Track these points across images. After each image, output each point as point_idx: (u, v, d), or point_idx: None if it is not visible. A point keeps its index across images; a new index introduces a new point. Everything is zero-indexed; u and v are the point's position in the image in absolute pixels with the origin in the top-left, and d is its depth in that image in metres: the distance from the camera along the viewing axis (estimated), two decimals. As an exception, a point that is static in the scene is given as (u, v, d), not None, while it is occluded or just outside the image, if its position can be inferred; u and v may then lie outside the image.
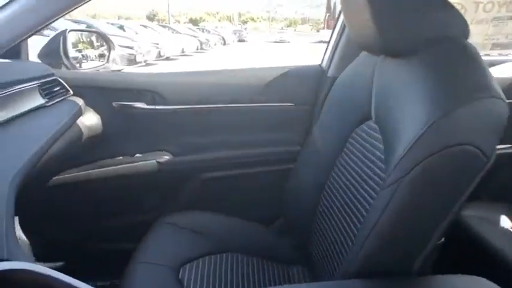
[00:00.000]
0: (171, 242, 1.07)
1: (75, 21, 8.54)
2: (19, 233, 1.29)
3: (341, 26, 1.33)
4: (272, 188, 1.32)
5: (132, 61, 9.65)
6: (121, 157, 1.31)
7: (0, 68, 0.94)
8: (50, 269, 0.62)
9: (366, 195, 0.75)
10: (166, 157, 1.32)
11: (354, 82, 0.95)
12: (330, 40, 1.40)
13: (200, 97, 1.31)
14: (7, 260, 0.61)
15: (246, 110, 1.33)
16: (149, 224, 1.14)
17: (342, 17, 1.33)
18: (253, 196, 1.38)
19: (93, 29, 1.44)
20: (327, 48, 1.41)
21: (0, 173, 0.70)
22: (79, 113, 1.14)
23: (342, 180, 0.88)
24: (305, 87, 1.37)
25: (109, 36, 1.73)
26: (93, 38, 2.01)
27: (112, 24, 12.47)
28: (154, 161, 1.30)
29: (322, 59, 1.41)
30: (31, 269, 0.60)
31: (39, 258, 1.33)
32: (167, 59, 12.44)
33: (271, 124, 1.38)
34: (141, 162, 1.30)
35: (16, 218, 1.27)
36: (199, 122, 1.33)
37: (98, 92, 1.25)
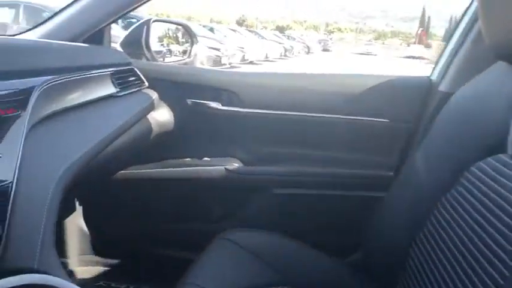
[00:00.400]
0: (230, 264, 0.94)
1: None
2: (81, 223, 1.28)
3: (462, 32, 1.09)
4: (352, 216, 1.12)
5: (217, 63, 9.98)
6: (188, 159, 1.22)
7: (75, 51, 0.90)
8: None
9: (494, 256, 0.53)
10: (236, 165, 1.20)
11: (481, 100, 0.73)
12: (444, 49, 1.16)
13: (282, 102, 1.16)
14: (37, 271, 0.53)
15: (332, 121, 1.15)
16: (210, 234, 1.03)
17: (464, 22, 1.09)
18: (329, 222, 1.19)
19: (177, 21, 1.39)
20: (439, 58, 1.17)
21: (50, 167, 0.63)
22: (151, 107, 1.08)
23: (451, 225, 0.66)
24: (407, 102, 1.14)
25: (199, 37, 1.69)
26: (179, 34, 2.01)
27: (204, 26, 13.08)
28: (222, 167, 1.18)
29: (432, 71, 1.18)
30: (56, 285, 0.51)
31: (97, 252, 1.31)
32: (251, 63, 12.71)
33: (361, 142, 1.18)
34: (208, 167, 1.20)
35: (80, 209, 1.25)
36: (277, 129, 1.19)
37: (173, 87, 1.17)
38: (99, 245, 1.29)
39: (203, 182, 1.20)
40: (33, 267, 0.54)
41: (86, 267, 1.29)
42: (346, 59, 21.37)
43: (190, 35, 1.45)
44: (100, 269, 1.29)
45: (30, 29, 1.01)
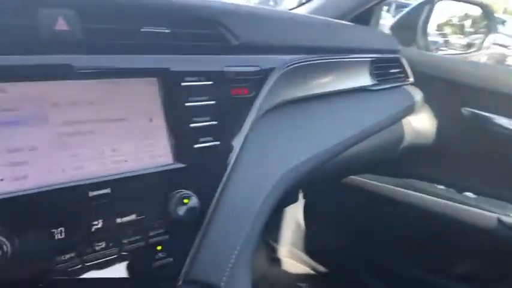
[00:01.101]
0: None
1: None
2: (299, 216, 1.20)
3: None
4: None
5: (501, 62, 8.26)
6: (442, 187, 0.91)
7: (336, 30, 0.76)
8: None
9: None
10: None
11: None
12: None
13: None
14: None
15: None
16: None
17: None
18: None
19: (474, 1, 1.02)
20: None
21: (271, 165, 0.53)
22: (410, 110, 0.85)
23: None
24: None
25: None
26: (467, 23, 1.61)
27: (493, 17, 11.05)
28: (494, 215, 0.83)
29: None
30: None
31: (307, 250, 1.21)
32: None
33: None
34: (471, 209, 0.86)
35: (302, 202, 1.17)
36: None
37: (446, 87, 0.89)
38: (310, 244, 1.19)
39: (456, 224, 0.87)
40: (218, 285, 0.43)
41: (291, 261, 1.22)
42: None
43: (488, 19, 1.06)
44: (304, 269, 1.20)
45: (302, 4, 0.94)
